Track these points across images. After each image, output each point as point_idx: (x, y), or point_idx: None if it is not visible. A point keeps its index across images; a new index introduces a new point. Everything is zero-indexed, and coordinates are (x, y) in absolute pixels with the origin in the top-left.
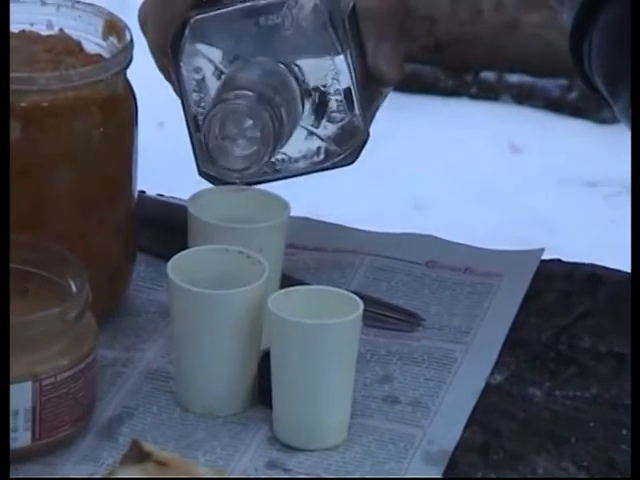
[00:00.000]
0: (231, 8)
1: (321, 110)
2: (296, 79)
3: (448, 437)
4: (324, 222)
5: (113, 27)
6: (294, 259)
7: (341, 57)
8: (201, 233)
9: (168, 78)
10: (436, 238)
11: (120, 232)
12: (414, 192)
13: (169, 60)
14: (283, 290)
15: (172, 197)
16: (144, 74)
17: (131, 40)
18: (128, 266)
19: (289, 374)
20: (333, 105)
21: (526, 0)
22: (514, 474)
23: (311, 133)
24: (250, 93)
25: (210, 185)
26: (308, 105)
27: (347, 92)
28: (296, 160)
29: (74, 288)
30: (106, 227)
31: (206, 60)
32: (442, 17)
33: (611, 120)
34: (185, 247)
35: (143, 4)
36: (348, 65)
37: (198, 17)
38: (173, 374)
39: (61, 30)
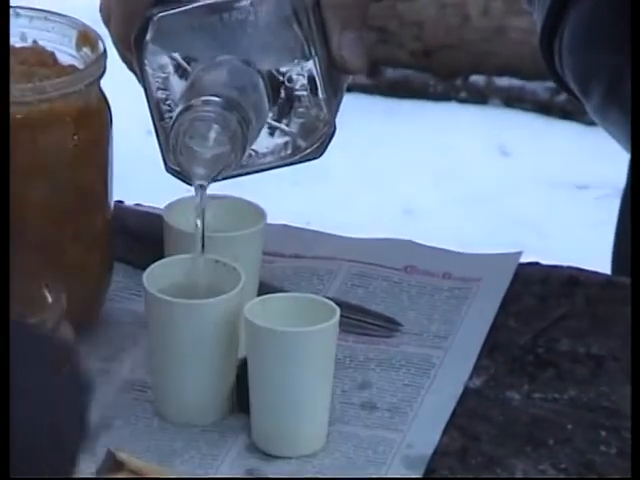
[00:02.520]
0: (194, 5)
1: (287, 105)
2: (261, 76)
3: (427, 441)
4: (302, 229)
5: (86, 38)
6: (272, 267)
7: (306, 52)
8: (177, 242)
9: (131, 69)
10: (414, 243)
11: (96, 243)
12: (404, 197)
13: (133, 55)
14: (259, 298)
15: (150, 206)
16: (133, 83)
17: (104, 51)
18: (105, 277)
19: (266, 382)
20: (299, 100)
21: (512, 5)
22: (493, 477)
23: (277, 129)
24: (217, 99)
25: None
26: (274, 101)
27: (313, 86)
28: (263, 155)
29: (50, 299)
30: (82, 238)
31: (170, 58)
32: (430, 23)
33: None
34: (162, 257)
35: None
36: (314, 59)
37: (161, 14)
38: (151, 384)
39: (35, 42)
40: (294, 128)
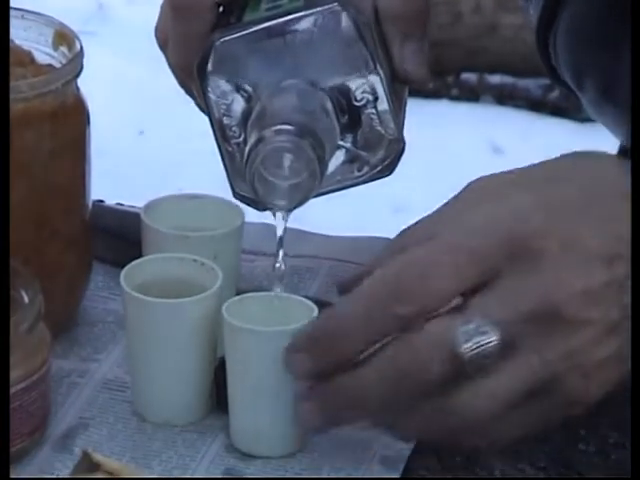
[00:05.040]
0: (256, 28)
1: (354, 124)
2: (328, 97)
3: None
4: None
5: (63, 37)
6: (252, 265)
7: (371, 67)
8: (155, 241)
9: (190, 94)
10: None
11: (74, 242)
12: (395, 195)
13: (194, 82)
14: (238, 297)
15: (130, 206)
16: (125, 83)
17: (81, 49)
18: (83, 276)
19: (244, 381)
20: (366, 117)
21: (505, 2)
22: (471, 476)
23: (345, 148)
24: (289, 127)
25: (168, 188)
26: (342, 121)
27: (381, 104)
28: (333, 176)
29: (26, 299)
30: (60, 238)
31: (234, 83)
32: None
33: (593, 119)
34: (141, 256)
35: (159, 23)
36: (379, 75)
37: (223, 39)
38: (129, 384)
39: (11, 41)
40: (362, 147)
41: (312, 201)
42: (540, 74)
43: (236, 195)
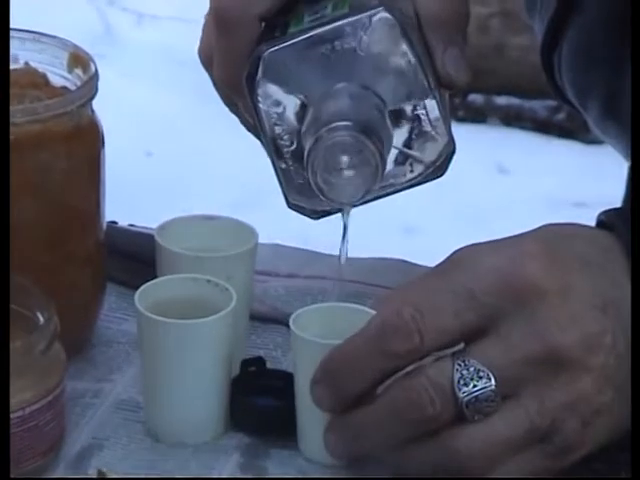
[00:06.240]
0: (303, 37)
1: (406, 127)
2: (381, 100)
3: None
4: (296, 248)
5: (78, 59)
6: (266, 286)
7: (419, 70)
8: (168, 262)
9: (236, 112)
10: (407, 262)
11: (88, 263)
12: (404, 216)
13: (240, 96)
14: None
15: (143, 227)
16: (133, 105)
17: (96, 72)
18: (97, 297)
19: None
20: (417, 120)
21: (511, 23)
22: None
23: (400, 151)
24: (347, 123)
25: (179, 209)
26: (394, 124)
27: (430, 105)
28: (387, 178)
29: (41, 320)
30: (74, 259)
31: (284, 91)
32: None
33: (599, 140)
34: (155, 277)
35: (202, 43)
36: (427, 78)
37: (271, 50)
38: (143, 404)
39: (26, 63)
40: (415, 149)
41: (320, 221)
42: (547, 95)
43: (291, 206)
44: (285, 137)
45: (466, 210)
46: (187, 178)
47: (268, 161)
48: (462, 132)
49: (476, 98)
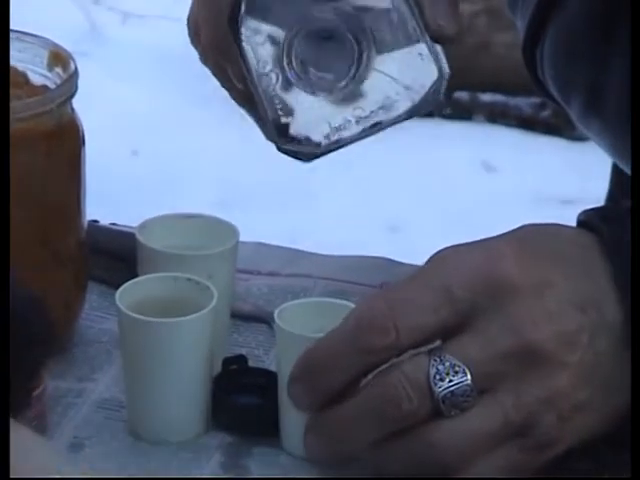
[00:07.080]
0: None
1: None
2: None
3: None
4: (279, 247)
5: (58, 58)
6: (248, 284)
7: (410, 17)
8: (150, 261)
9: (225, 84)
10: (390, 260)
11: (70, 262)
12: (389, 214)
13: (228, 58)
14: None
15: (125, 226)
16: (118, 103)
17: (75, 70)
18: (79, 296)
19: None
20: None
21: (497, 20)
22: None
23: (386, 75)
24: (330, 16)
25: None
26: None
27: (419, 47)
28: (375, 113)
29: None
30: (55, 258)
31: (269, 25)
32: None
33: (585, 137)
34: (136, 276)
35: (190, 13)
36: (418, 25)
37: None
38: (125, 403)
39: None
40: (402, 78)
41: (306, 220)
42: (532, 92)
43: (280, 149)
44: (271, 74)
45: (452, 207)
46: (173, 177)
47: (253, 160)
48: (448, 129)
49: (462, 95)
